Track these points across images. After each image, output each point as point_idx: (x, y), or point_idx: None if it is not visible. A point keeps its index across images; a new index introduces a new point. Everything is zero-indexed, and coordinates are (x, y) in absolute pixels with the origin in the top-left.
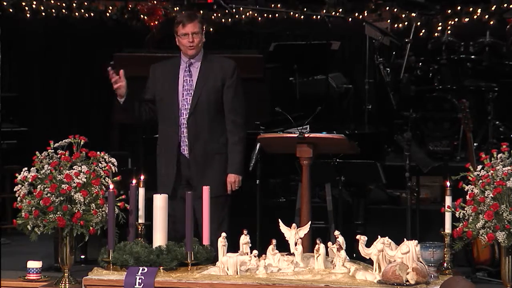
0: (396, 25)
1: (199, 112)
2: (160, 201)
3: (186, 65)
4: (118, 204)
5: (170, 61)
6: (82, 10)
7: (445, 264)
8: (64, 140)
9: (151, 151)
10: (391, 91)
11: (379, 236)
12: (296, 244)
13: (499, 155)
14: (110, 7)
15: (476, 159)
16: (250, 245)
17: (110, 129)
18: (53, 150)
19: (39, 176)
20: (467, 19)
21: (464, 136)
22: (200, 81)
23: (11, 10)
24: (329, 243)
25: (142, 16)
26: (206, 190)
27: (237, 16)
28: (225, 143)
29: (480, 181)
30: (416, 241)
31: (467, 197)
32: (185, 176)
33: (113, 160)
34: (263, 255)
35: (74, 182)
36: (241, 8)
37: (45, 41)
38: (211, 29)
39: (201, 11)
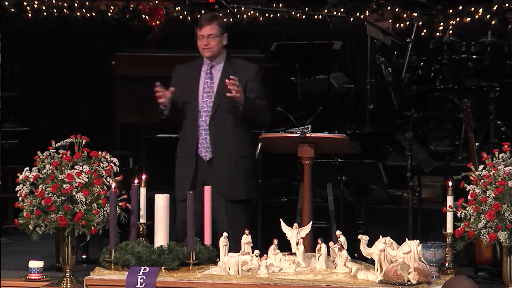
0: (397, 25)
1: (221, 116)
2: (161, 200)
3: (208, 67)
4: (120, 203)
5: (193, 63)
6: (84, 10)
7: (447, 264)
8: (65, 140)
9: (152, 151)
10: (393, 91)
11: (380, 236)
12: (297, 244)
13: (500, 155)
14: (112, 7)
15: (477, 159)
16: (252, 245)
17: (112, 128)
18: (54, 150)
19: (41, 176)
20: (468, 19)
21: (466, 135)
22: (222, 84)
23: (12, 10)
24: (331, 243)
25: (143, 16)
26: (207, 190)
27: (238, 16)
28: (249, 149)
29: (482, 181)
30: (418, 241)
31: (469, 197)
32: (203, 178)
33: (115, 159)
34: (265, 255)
35: (76, 182)
36: (243, 8)
37: (47, 41)
38: None
39: (203, 11)
